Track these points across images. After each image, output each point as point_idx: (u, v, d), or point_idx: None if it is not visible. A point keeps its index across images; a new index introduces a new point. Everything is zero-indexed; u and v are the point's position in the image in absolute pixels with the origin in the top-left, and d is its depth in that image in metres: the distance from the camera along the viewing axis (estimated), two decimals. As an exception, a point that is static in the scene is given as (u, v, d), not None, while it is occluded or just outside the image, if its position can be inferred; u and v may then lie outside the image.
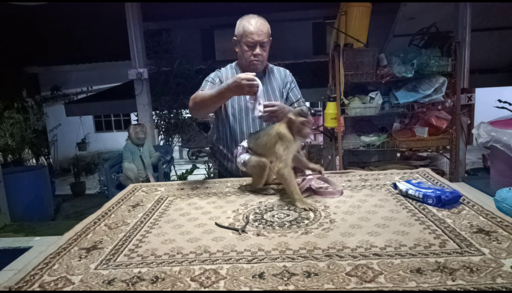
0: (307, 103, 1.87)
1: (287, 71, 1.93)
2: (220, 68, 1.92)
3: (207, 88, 1.79)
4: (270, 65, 1.91)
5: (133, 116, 9.67)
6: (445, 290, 0.80)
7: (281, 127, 1.46)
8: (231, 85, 1.53)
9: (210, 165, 5.05)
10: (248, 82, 1.49)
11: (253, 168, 1.54)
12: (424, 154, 3.97)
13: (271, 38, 1.79)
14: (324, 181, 1.59)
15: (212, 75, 1.87)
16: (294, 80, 1.93)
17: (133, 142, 4.16)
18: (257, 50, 1.73)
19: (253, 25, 1.70)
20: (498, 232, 1.06)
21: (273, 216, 1.30)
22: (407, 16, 5.17)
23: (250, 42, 1.72)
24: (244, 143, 1.62)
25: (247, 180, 1.75)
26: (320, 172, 1.58)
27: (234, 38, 1.79)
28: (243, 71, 1.81)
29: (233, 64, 1.91)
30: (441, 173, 3.38)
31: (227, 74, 1.86)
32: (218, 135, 1.96)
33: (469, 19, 3.70)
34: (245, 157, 1.58)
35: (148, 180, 4.04)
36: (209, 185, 1.74)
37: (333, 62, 3.53)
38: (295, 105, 1.84)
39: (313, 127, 1.61)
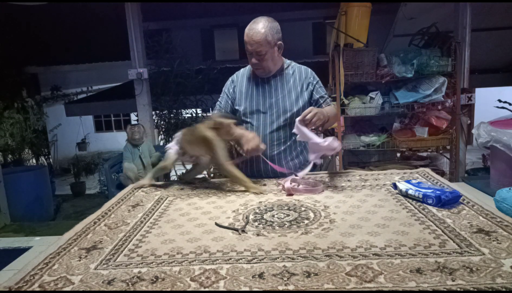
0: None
1: (309, 70, 1.83)
2: (239, 71, 1.90)
3: (223, 103, 1.85)
4: (292, 64, 1.83)
5: (133, 116, 9.68)
6: (445, 290, 0.80)
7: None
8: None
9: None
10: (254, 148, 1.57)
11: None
12: (424, 154, 3.97)
13: (280, 42, 1.69)
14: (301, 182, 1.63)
15: (227, 85, 1.87)
16: (317, 78, 1.84)
17: (130, 143, 4.16)
18: (253, 59, 1.68)
19: (247, 33, 1.65)
20: (498, 232, 1.06)
21: (273, 216, 1.30)
22: (407, 16, 5.17)
23: (247, 51, 1.68)
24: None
25: (247, 180, 1.75)
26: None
27: None
28: (254, 73, 1.81)
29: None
30: (441, 173, 3.38)
31: (244, 72, 1.86)
32: None
33: (469, 19, 3.70)
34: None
35: (148, 180, 4.03)
36: (209, 185, 1.74)
37: (333, 62, 3.53)
38: (323, 105, 1.80)
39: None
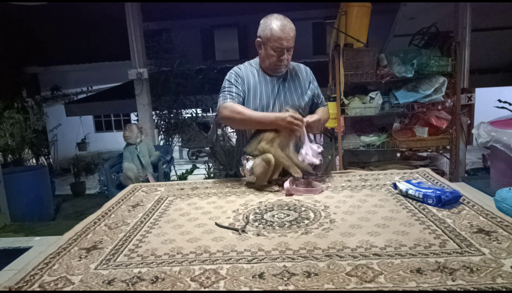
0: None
1: (308, 68, 1.89)
2: (239, 66, 1.83)
3: (234, 92, 1.72)
4: (290, 62, 1.84)
5: (133, 116, 9.68)
6: (445, 290, 0.80)
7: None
8: (279, 121, 1.58)
9: (210, 165, 5.06)
10: (296, 121, 1.55)
11: (258, 166, 1.58)
12: (424, 154, 3.96)
13: None
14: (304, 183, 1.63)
15: (233, 76, 1.77)
16: (314, 77, 1.90)
17: (126, 142, 4.16)
18: (284, 55, 1.68)
19: (281, 29, 1.63)
20: (498, 232, 1.06)
21: (273, 216, 1.30)
22: (407, 16, 5.17)
23: (278, 48, 1.65)
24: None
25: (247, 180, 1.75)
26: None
27: (258, 39, 1.72)
28: (265, 72, 1.79)
29: (253, 62, 1.83)
30: (441, 173, 3.37)
31: (246, 68, 1.80)
32: (239, 136, 1.90)
33: (469, 19, 3.70)
34: (250, 163, 1.65)
35: (148, 180, 4.03)
36: (209, 185, 1.74)
37: (333, 62, 3.53)
38: (320, 106, 1.87)
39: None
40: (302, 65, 1.89)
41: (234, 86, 1.73)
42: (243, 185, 1.71)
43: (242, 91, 1.73)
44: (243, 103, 1.72)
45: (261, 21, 1.71)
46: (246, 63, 1.86)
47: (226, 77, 1.80)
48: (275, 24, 1.65)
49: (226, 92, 1.73)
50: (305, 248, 1.03)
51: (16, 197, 4.44)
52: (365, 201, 1.39)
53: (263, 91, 1.76)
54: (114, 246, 1.13)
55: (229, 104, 1.68)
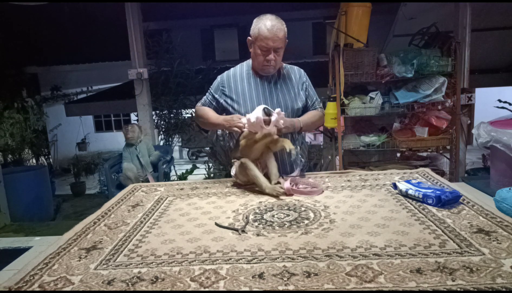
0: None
1: (302, 71, 1.89)
2: (229, 70, 1.87)
3: (209, 100, 1.84)
4: (284, 64, 1.85)
5: (133, 116, 9.68)
6: (445, 290, 0.80)
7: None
8: (223, 121, 1.71)
9: (210, 165, 5.06)
10: (235, 124, 1.64)
11: (239, 173, 1.66)
12: (424, 154, 3.96)
13: (287, 40, 1.73)
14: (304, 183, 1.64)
15: (216, 83, 1.83)
16: (308, 79, 1.89)
17: (126, 142, 4.17)
18: (271, 55, 1.68)
19: (269, 29, 1.63)
20: (498, 232, 1.06)
21: (273, 216, 1.30)
22: (407, 16, 5.18)
23: (264, 47, 1.65)
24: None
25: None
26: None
27: (249, 38, 1.74)
28: (255, 72, 1.80)
29: (245, 63, 1.86)
30: (441, 173, 3.37)
31: (236, 72, 1.83)
32: (230, 139, 1.93)
33: (469, 19, 3.70)
34: (233, 169, 1.72)
35: (147, 180, 4.03)
36: (209, 185, 1.75)
37: (333, 62, 3.53)
38: (311, 109, 1.86)
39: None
40: (296, 68, 1.89)
41: (211, 95, 1.84)
42: (243, 185, 1.71)
43: (216, 101, 1.82)
44: (216, 109, 1.82)
45: (254, 20, 1.72)
46: (239, 65, 1.87)
47: (214, 81, 1.86)
48: (264, 24, 1.65)
49: (203, 98, 1.89)
50: (305, 248, 1.03)
51: (16, 197, 4.43)
52: (365, 201, 1.39)
53: (252, 94, 1.77)
54: (114, 246, 1.13)
55: (197, 108, 1.88)
